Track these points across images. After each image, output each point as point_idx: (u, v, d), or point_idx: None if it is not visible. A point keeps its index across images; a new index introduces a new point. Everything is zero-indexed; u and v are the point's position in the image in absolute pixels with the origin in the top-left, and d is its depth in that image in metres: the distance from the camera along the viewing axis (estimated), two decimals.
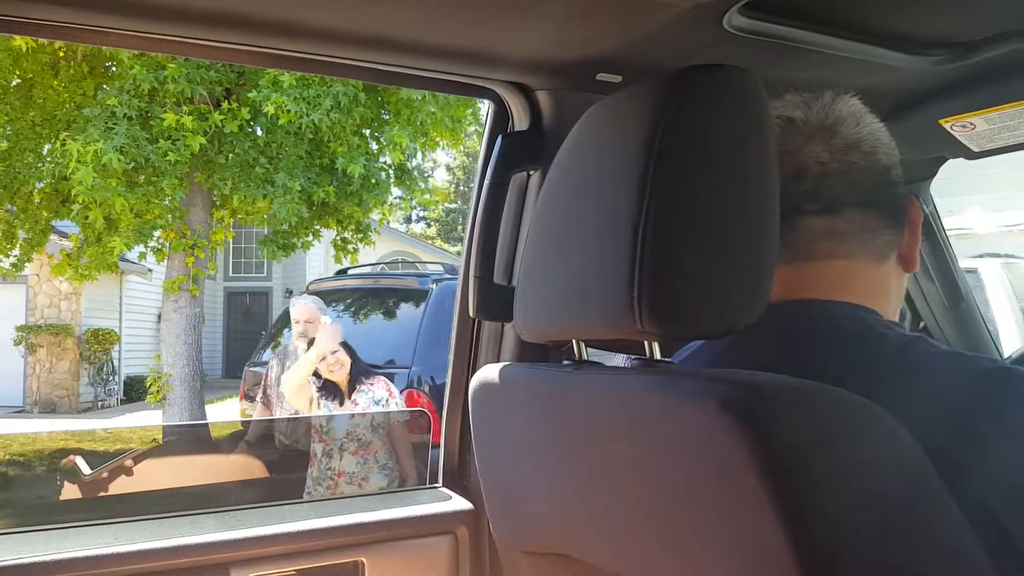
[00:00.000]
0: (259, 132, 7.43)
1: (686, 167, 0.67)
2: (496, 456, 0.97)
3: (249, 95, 7.04)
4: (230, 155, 7.51)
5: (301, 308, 4.22)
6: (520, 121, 1.36)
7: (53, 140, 7.62)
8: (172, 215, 7.67)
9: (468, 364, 1.48)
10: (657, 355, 0.74)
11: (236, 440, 5.12)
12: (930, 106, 1.34)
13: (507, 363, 0.96)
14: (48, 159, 7.61)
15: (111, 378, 13.41)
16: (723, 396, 0.62)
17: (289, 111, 6.81)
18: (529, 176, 1.37)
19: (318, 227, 8.34)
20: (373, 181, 7.73)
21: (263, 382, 4.50)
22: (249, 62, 1.16)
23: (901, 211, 0.85)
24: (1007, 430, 0.68)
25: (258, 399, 4.58)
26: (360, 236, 8.62)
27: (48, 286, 12.83)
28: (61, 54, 7.61)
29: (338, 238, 8.67)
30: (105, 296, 13.39)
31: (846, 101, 0.86)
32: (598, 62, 1.16)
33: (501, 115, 1.39)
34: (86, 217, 7.58)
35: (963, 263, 5.56)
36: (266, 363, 5.70)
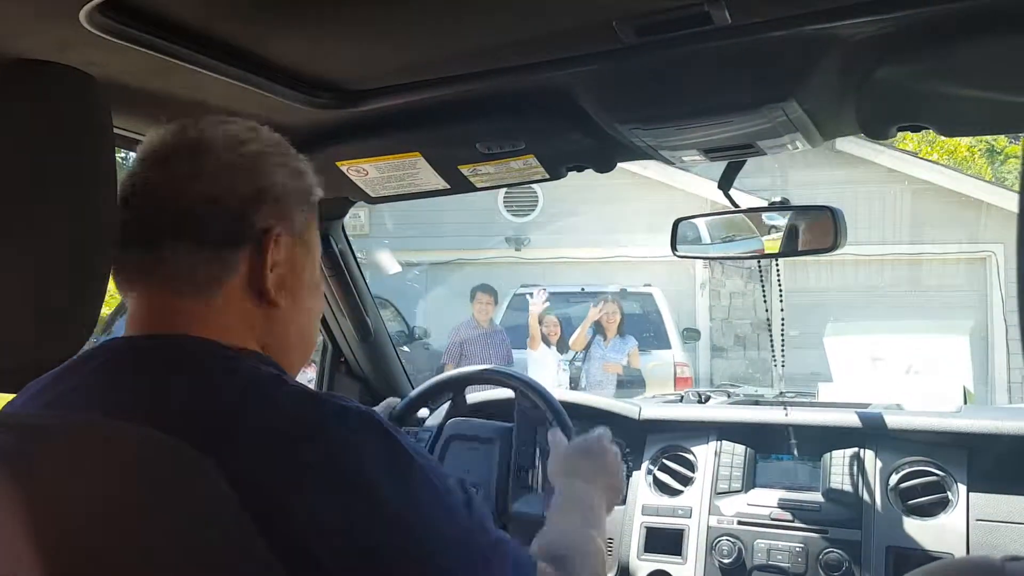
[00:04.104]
0: None
1: None
2: None
3: None
4: None
5: None
6: None
7: None
8: None
9: None
10: None
11: None
12: (328, 147, 1.31)
13: None
14: None
15: None
16: None
17: None
18: None
19: None
20: None
21: None
22: None
23: (240, 244, 0.78)
24: (337, 468, 0.67)
25: None
26: None
27: None
28: None
29: None
30: None
31: (209, 126, 0.80)
32: None
33: None
34: None
35: (640, 288, 7.14)
36: None
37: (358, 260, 1.93)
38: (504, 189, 10.82)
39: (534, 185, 10.50)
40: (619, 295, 7.49)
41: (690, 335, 8.43)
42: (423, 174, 1.46)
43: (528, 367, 6.28)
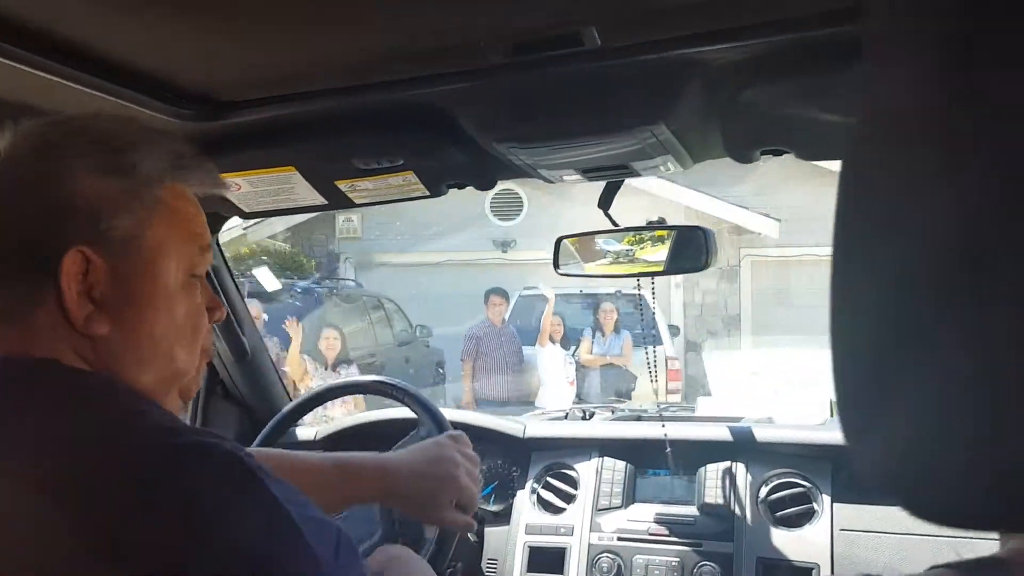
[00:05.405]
0: None
1: None
2: None
3: None
4: None
5: None
6: None
7: None
8: None
9: None
10: None
11: None
12: None
13: None
14: None
15: None
16: None
17: None
18: None
19: None
20: None
21: None
22: None
23: (34, 273, 0.69)
24: (192, 512, 0.62)
25: None
26: None
27: None
28: None
29: None
30: None
31: (24, 133, 0.73)
32: None
33: None
34: None
35: (632, 290, 7.19)
36: None
37: (234, 275, 1.87)
38: (490, 194, 11.11)
39: (519, 190, 10.89)
40: (614, 297, 8.18)
41: (673, 331, 9.13)
42: (299, 189, 1.42)
43: (538, 362, 7.13)
